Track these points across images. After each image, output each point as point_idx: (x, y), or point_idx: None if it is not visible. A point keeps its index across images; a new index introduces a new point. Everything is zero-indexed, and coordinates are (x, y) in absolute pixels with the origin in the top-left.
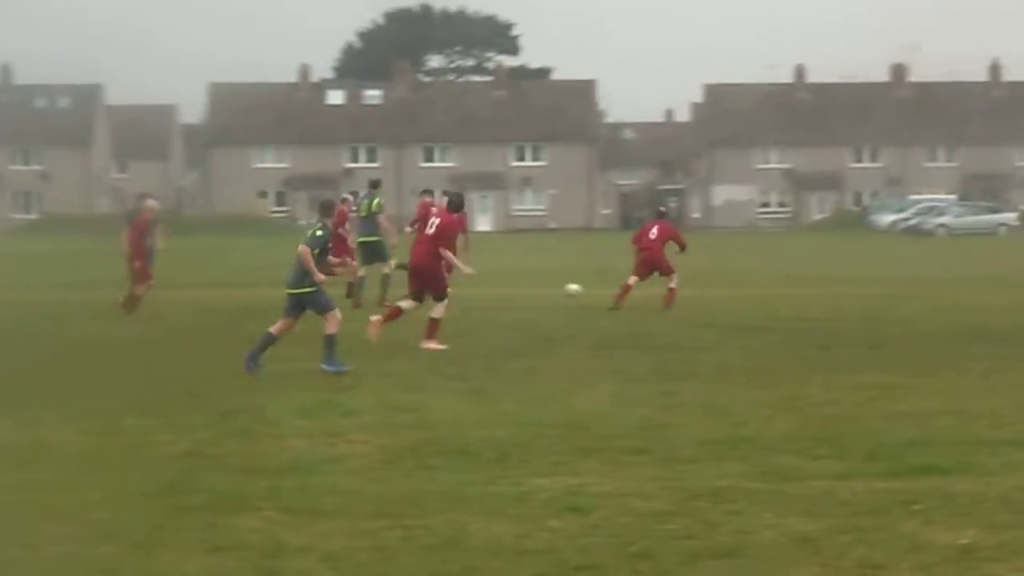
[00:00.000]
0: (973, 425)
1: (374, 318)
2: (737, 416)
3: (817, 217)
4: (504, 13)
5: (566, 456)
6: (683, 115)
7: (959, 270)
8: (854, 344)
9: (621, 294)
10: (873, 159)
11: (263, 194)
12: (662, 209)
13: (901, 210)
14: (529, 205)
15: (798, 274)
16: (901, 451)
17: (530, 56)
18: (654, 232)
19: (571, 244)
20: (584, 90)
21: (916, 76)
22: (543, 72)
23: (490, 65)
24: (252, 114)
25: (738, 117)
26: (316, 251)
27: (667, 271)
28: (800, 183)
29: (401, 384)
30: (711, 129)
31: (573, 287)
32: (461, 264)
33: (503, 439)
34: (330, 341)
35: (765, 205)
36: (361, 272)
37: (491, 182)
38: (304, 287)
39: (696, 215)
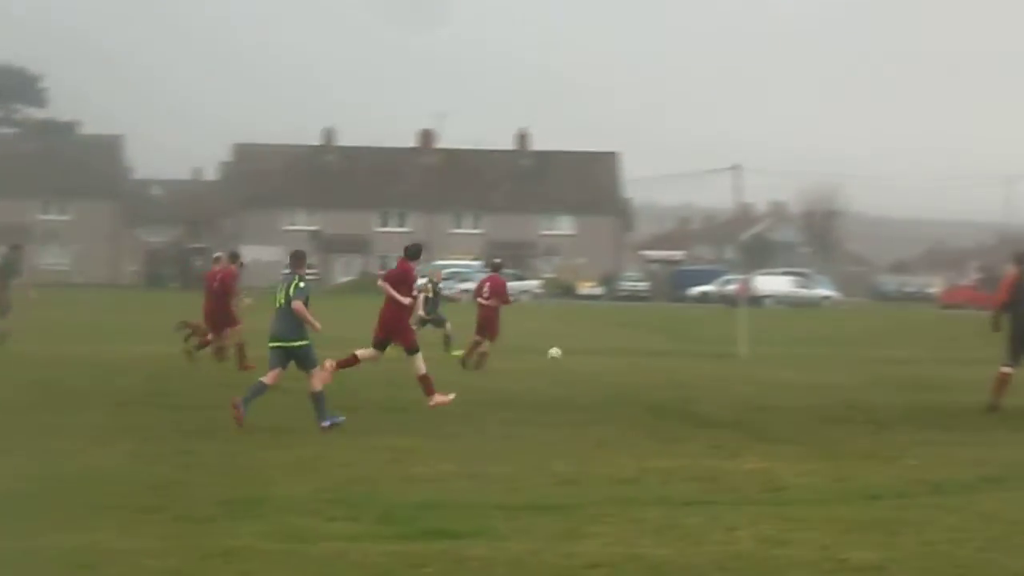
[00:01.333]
0: (488, 489)
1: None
2: (255, 476)
3: (343, 279)
4: (33, 66)
5: (80, 512)
6: (212, 174)
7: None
8: (377, 407)
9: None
10: (400, 223)
11: None
12: (496, 261)
13: (422, 276)
14: (55, 259)
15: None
16: (414, 514)
17: (58, 109)
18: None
19: (97, 300)
20: (111, 145)
21: (444, 143)
22: (71, 126)
23: (17, 117)
24: None
25: (266, 177)
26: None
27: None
28: (327, 245)
29: None
30: (239, 188)
31: (554, 351)
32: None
33: (16, 493)
34: (318, 398)
35: None
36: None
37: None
38: (297, 341)
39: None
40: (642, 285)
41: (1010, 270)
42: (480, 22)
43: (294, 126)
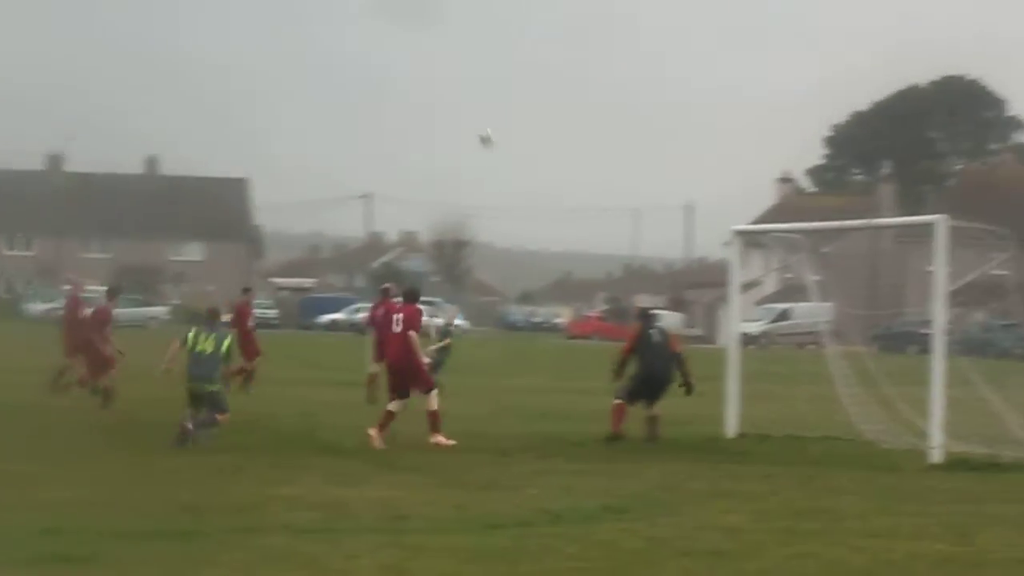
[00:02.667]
0: (110, 515)
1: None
2: None
3: None
4: None
5: None
6: None
7: None
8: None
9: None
10: (27, 247)
11: None
12: (386, 287)
13: (53, 300)
14: None
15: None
16: (36, 539)
17: None
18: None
19: None
20: None
21: (73, 166)
22: None
23: None
24: None
25: None
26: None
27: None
28: None
29: None
30: None
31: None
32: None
33: None
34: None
35: None
36: None
37: None
38: (214, 384)
39: None
40: (272, 312)
41: (635, 323)
42: None
43: None
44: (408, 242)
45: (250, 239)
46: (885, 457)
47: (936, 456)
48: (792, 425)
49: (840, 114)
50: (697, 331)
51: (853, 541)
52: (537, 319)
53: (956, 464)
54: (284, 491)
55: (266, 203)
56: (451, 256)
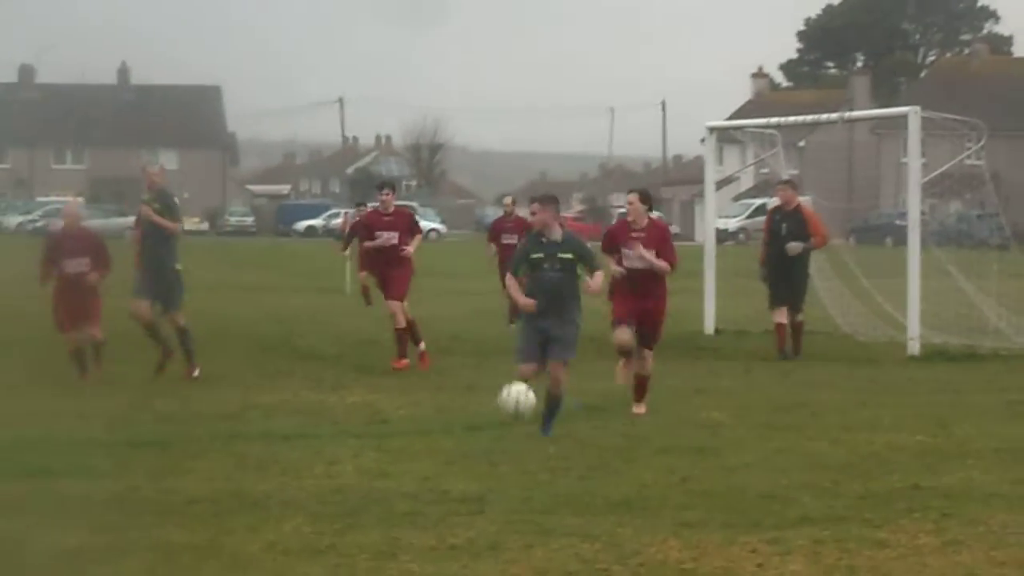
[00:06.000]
0: (88, 426)
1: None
2: None
3: None
4: None
5: None
6: None
7: None
8: None
9: None
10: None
11: None
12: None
13: (28, 212)
14: None
15: None
16: (10, 453)
17: None
18: None
19: None
20: None
21: (44, 78)
22: None
23: None
24: None
25: None
26: None
27: None
28: None
29: None
30: None
31: None
32: None
33: None
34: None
35: None
36: None
37: None
38: None
39: None
40: (248, 220)
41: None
42: None
43: None
44: (383, 146)
45: (225, 146)
46: (863, 350)
47: (914, 348)
48: (769, 321)
49: (813, 7)
50: (675, 229)
51: (833, 434)
52: None
53: (934, 355)
54: (263, 399)
55: (240, 110)
56: (427, 160)
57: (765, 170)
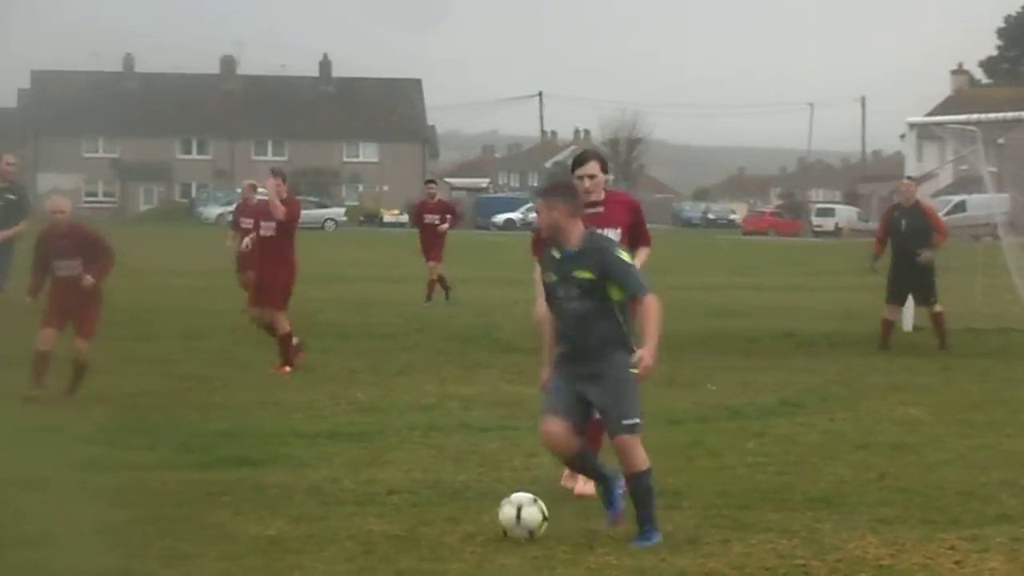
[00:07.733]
0: (289, 417)
1: None
2: (50, 406)
3: (144, 208)
4: None
5: None
6: (10, 101)
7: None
8: (174, 335)
9: None
10: (201, 151)
11: None
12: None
13: (229, 203)
14: None
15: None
16: (213, 442)
17: None
18: None
19: None
20: None
21: (245, 69)
22: None
23: None
24: None
25: (65, 104)
26: None
27: None
28: (127, 173)
29: None
30: (37, 116)
31: None
32: None
33: None
34: None
35: (92, 195)
36: None
37: None
38: None
39: None
40: None
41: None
42: None
43: (92, 53)
44: (581, 140)
45: (424, 139)
46: None
47: None
48: (969, 318)
49: (1013, 5)
50: (872, 225)
51: None
52: (712, 216)
53: None
54: (462, 390)
55: (439, 103)
56: (625, 154)
57: (964, 167)
